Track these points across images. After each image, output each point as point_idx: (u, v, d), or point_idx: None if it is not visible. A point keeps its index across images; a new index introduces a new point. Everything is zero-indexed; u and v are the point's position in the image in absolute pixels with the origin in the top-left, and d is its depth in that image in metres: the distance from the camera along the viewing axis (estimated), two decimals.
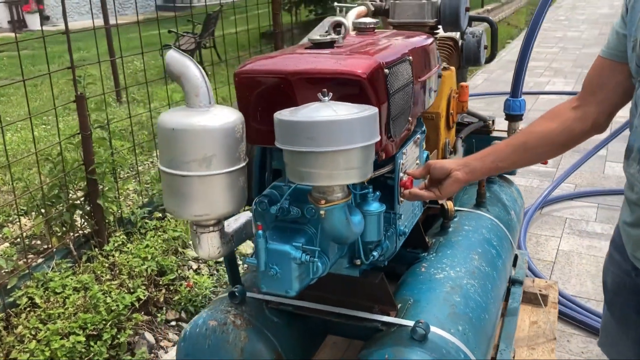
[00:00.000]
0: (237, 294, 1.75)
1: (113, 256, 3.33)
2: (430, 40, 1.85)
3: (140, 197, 3.85)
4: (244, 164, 1.36)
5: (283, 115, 1.20)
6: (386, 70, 1.39)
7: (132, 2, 16.02)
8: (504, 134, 2.71)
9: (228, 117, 1.31)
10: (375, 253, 1.60)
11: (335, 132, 1.13)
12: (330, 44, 1.53)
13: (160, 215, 3.72)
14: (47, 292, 2.97)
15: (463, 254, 2.05)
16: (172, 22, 6.58)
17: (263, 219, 1.49)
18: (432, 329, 1.55)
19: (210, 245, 1.42)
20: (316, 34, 2.45)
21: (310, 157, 1.16)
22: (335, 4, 2.86)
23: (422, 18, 2.35)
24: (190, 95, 1.32)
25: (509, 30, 13.51)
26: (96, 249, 3.35)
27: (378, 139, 1.20)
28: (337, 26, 1.69)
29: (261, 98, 1.43)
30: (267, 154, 1.65)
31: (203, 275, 3.50)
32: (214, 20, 7.59)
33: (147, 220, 3.68)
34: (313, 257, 1.40)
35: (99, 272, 3.18)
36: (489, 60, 2.86)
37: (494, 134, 2.77)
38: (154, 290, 3.25)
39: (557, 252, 3.63)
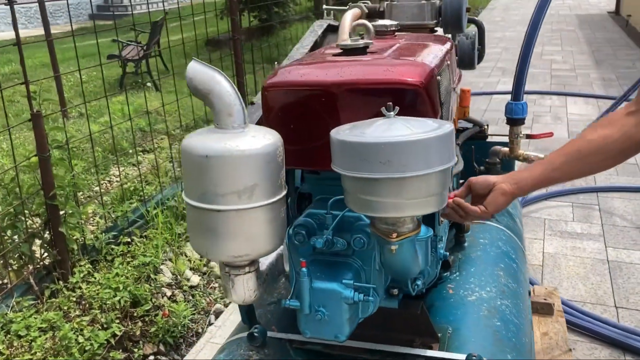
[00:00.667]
0: (257, 334, 1.54)
1: (80, 288, 3.03)
2: (452, 43, 1.70)
3: (104, 221, 3.54)
4: (285, 192, 1.17)
5: (345, 134, 1.02)
6: (438, 78, 1.23)
7: (63, 12, 15.28)
8: (503, 138, 2.60)
9: (268, 138, 1.11)
10: (419, 282, 1.43)
11: (416, 154, 0.96)
12: (363, 50, 1.36)
13: (127, 239, 3.42)
14: (8, 336, 2.65)
15: (487, 271, 1.91)
16: (110, 32, 6.23)
17: (298, 252, 1.30)
18: None
19: (246, 288, 1.21)
20: (308, 39, 2.27)
21: (384, 185, 0.98)
22: (324, 6, 2.70)
23: (422, 20, 2.21)
24: (222, 115, 1.11)
25: None
26: (60, 282, 3.04)
27: (456, 159, 1.03)
28: (360, 30, 1.51)
29: (294, 113, 1.24)
30: (291, 175, 1.46)
31: (179, 302, 3.24)
32: (159, 29, 7.25)
33: (113, 246, 3.38)
34: (367, 295, 1.22)
35: (66, 308, 2.87)
36: (479, 62, 2.76)
37: (490, 139, 2.66)
38: (129, 323, 2.97)
39: (543, 255, 3.57)
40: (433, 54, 1.37)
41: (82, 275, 3.10)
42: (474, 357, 1.40)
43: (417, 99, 1.15)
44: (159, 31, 7.30)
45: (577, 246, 3.65)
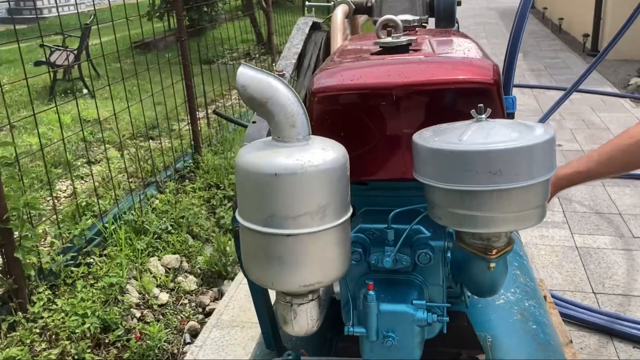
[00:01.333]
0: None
1: (42, 318, 2.76)
2: (472, 39, 1.63)
3: (59, 241, 3.26)
4: (351, 209, 1.04)
5: (437, 142, 0.91)
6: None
7: None
8: None
9: (337, 151, 0.98)
10: (469, 294, 1.35)
11: (528, 161, 0.86)
12: (406, 48, 1.25)
13: (90, 260, 3.16)
14: None
15: None
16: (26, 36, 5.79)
17: (350, 272, 1.18)
18: None
19: (309, 318, 1.08)
20: (297, 37, 2.14)
21: (492, 198, 0.88)
22: (307, 3, 2.57)
23: (413, 15, 2.13)
24: (283, 126, 0.97)
25: None
26: (19, 313, 2.75)
27: (557, 166, 0.95)
28: (388, 26, 1.40)
29: (349, 119, 1.12)
30: None
31: (150, 323, 3.02)
32: (87, 32, 6.84)
33: (72, 268, 3.11)
34: (441, 315, 1.12)
35: (29, 342, 2.60)
36: None
37: None
38: (102, 351, 2.73)
39: None
40: (475, 49, 1.29)
41: (42, 303, 2.83)
42: None
43: (488, 99, 1.06)
44: (87, 35, 6.88)
45: (544, 234, 3.71)
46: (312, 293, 1.08)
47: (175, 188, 4.18)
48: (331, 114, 1.13)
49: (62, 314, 2.77)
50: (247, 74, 0.99)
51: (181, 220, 3.79)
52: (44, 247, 3.39)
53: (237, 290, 3.32)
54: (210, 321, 3.07)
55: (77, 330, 2.68)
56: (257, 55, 9.02)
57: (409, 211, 1.16)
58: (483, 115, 0.94)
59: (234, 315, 3.08)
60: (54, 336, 2.68)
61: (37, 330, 2.68)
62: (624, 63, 8.16)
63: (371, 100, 1.09)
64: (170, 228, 3.71)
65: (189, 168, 4.55)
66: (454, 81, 1.05)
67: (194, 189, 4.19)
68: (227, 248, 3.63)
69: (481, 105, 0.94)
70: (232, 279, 3.54)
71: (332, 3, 2.30)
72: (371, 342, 1.13)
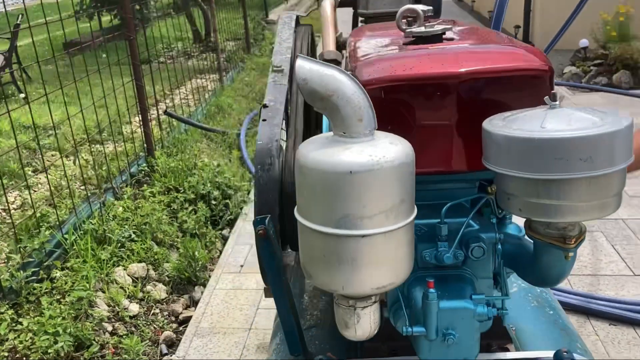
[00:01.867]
0: None
1: (7, 340, 2.56)
2: None
3: (18, 256, 3.04)
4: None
5: (518, 130, 0.88)
6: None
7: None
8: None
9: (405, 145, 0.94)
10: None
11: (615, 148, 0.85)
12: (440, 37, 1.22)
13: (57, 274, 2.97)
14: None
15: None
16: None
17: None
18: None
19: (372, 321, 1.03)
20: (285, 32, 2.08)
21: (579, 185, 0.86)
22: None
23: (400, 6, 2.10)
24: (350, 120, 0.92)
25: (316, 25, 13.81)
26: None
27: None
28: (408, 16, 1.36)
29: (400, 111, 1.08)
30: None
31: (123, 336, 2.87)
32: (16, 33, 6.44)
33: (34, 285, 2.91)
34: (503, 308, 1.10)
35: None
36: None
37: None
38: None
39: None
40: (504, 37, 1.27)
41: (6, 324, 2.62)
42: (565, 353, 1.34)
43: (543, 86, 1.04)
44: (15, 36, 6.49)
45: None
46: (375, 295, 1.03)
47: (133, 193, 4.00)
48: (380, 105, 1.08)
49: (30, 334, 2.58)
50: (307, 67, 0.93)
51: (144, 227, 3.63)
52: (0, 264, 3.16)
53: (212, 297, 3.21)
54: (189, 330, 2.95)
55: (49, 350, 2.51)
56: (196, 54, 8.80)
57: (455, 204, 1.14)
58: (557, 102, 0.92)
59: (213, 322, 2.98)
60: (24, 358, 2.49)
61: (5, 354, 2.49)
62: (556, 53, 8.50)
63: (425, 90, 1.05)
64: (133, 236, 3.54)
65: (143, 172, 4.36)
66: (514, 68, 1.03)
67: (153, 193, 4.02)
68: (196, 253, 3.51)
69: (554, 91, 0.92)
70: (204, 284, 3.42)
71: None
72: (430, 341, 1.09)
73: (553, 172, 0.85)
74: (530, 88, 1.04)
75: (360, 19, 2.24)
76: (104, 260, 3.28)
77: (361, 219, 0.90)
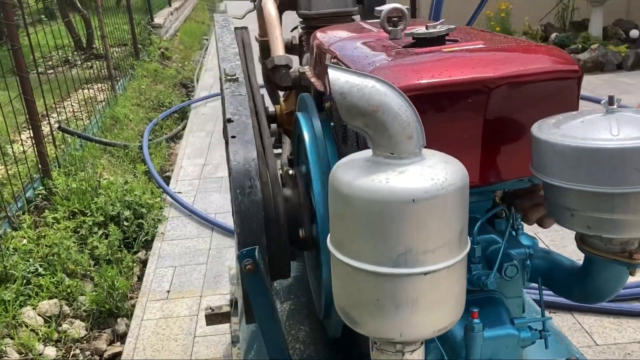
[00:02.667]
0: None
1: None
2: None
3: None
4: None
5: (590, 141, 0.79)
6: None
7: None
8: None
9: (459, 164, 0.81)
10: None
11: None
12: (442, 39, 1.11)
13: None
14: None
15: None
16: None
17: None
18: None
19: None
20: (227, 36, 1.92)
21: (630, 198, 0.79)
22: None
23: (344, 6, 2.00)
24: (399, 138, 0.78)
25: (200, 28, 13.46)
26: None
27: None
28: (393, 16, 1.24)
29: (433, 120, 0.96)
30: None
31: None
32: None
33: None
34: (545, 331, 1.01)
35: None
36: None
37: None
38: None
39: None
40: (503, 36, 1.19)
41: None
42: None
43: (574, 89, 0.97)
44: None
45: None
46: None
47: (33, 221, 3.58)
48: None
49: None
50: (344, 79, 0.78)
51: (51, 258, 3.24)
52: None
53: (141, 329, 2.92)
54: None
55: None
56: (79, 62, 8.18)
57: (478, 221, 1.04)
58: (614, 106, 0.83)
59: (147, 357, 2.71)
60: None
61: None
62: None
63: (457, 97, 0.93)
64: (40, 269, 3.15)
65: (41, 196, 3.92)
66: (549, 70, 0.94)
67: (56, 219, 3.62)
68: (115, 282, 3.19)
69: (612, 95, 0.84)
70: (127, 316, 3.12)
71: None
72: None
73: (634, 184, 0.76)
74: (562, 91, 0.96)
75: (299, 20, 2.09)
76: (8, 301, 2.89)
77: (424, 254, 0.76)
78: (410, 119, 0.79)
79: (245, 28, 2.06)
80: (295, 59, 1.93)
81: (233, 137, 1.30)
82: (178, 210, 4.23)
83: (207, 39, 12.05)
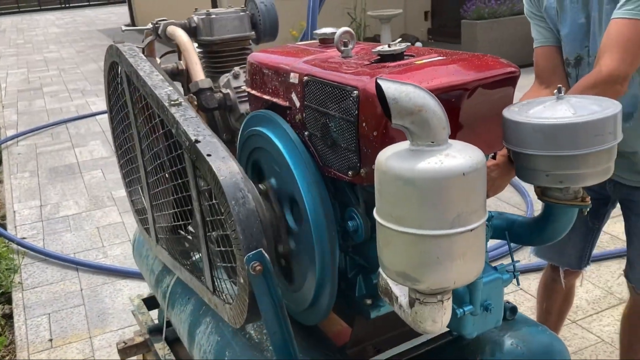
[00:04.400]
0: None
1: None
2: None
3: None
4: None
5: (562, 118, 1.10)
6: None
7: None
8: None
9: (474, 146, 1.07)
10: None
11: (615, 126, 1.13)
12: (402, 55, 1.36)
13: None
14: None
15: None
16: None
17: None
18: None
19: (449, 312, 1.12)
20: (145, 64, 1.98)
21: (599, 155, 1.12)
22: (123, 28, 2.28)
23: (243, 31, 2.17)
24: (437, 129, 1.00)
25: None
26: None
27: None
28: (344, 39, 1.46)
29: None
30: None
31: None
32: None
33: None
34: (515, 272, 1.31)
35: None
36: None
37: None
38: None
39: None
40: (440, 51, 1.47)
41: None
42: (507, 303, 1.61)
43: (514, 85, 1.28)
44: None
45: None
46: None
47: None
48: None
49: None
50: (393, 87, 1.00)
51: None
52: None
53: None
54: None
55: None
56: None
57: None
58: (562, 93, 1.16)
59: None
60: None
61: None
62: None
63: (449, 97, 1.17)
64: None
65: None
66: (508, 72, 1.24)
67: None
68: None
69: (560, 85, 1.16)
70: None
71: (153, 25, 2.12)
72: (474, 316, 1.24)
73: (591, 146, 1.09)
74: (508, 87, 1.27)
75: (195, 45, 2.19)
76: None
77: (470, 215, 0.99)
78: (442, 114, 1.01)
79: (153, 59, 2.11)
80: (178, 84, 1.98)
81: (209, 155, 1.41)
82: (29, 257, 3.92)
83: None
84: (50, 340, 3.03)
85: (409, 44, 1.38)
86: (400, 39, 1.42)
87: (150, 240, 1.98)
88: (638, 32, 1.51)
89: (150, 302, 2.57)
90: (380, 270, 1.15)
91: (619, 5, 1.56)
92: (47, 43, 14.85)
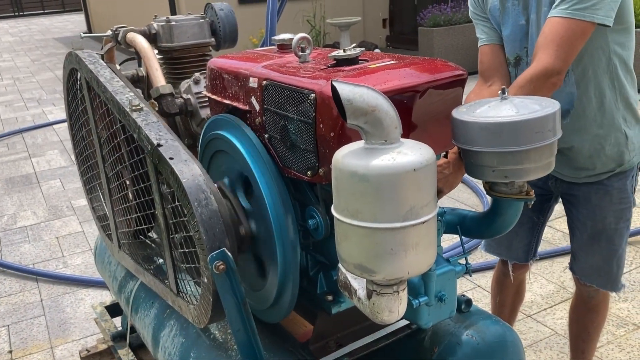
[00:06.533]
0: None
1: None
2: None
3: None
4: None
5: (507, 117, 1.17)
6: None
7: None
8: None
9: (424, 144, 1.13)
10: None
11: (555, 123, 1.21)
12: (356, 60, 1.42)
13: None
14: None
15: None
16: None
17: None
18: None
19: (405, 302, 1.18)
20: (105, 71, 1.99)
21: (540, 150, 1.19)
22: (82, 34, 2.28)
23: (203, 38, 2.20)
24: (390, 129, 1.06)
25: None
26: None
27: None
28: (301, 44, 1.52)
29: None
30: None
31: None
32: None
33: None
34: (467, 263, 1.38)
35: None
36: None
37: None
38: None
39: None
40: (397, 57, 1.53)
41: None
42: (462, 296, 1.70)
43: (463, 87, 1.35)
44: None
45: None
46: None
47: None
48: None
49: None
50: (347, 89, 1.05)
51: None
52: None
53: None
54: None
55: None
56: None
57: None
58: (506, 94, 1.24)
59: None
60: None
61: None
62: None
63: (402, 98, 1.24)
64: None
65: None
66: (456, 75, 1.31)
67: None
68: None
69: (504, 87, 1.24)
70: None
71: (113, 32, 2.13)
72: (429, 306, 1.30)
73: (533, 142, 1.16)
74: (457, 89, 1.34)
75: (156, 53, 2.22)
76: None
77: (421, 208, 1.05)
78: (395, 114, 1.07)
79: (113, 64, 2.12)
80: (138, 91, 2.01)
81: (171, 158, 1.44)
82: None
83: None
84: (10, 351, 2.98)
85: (363, 49, 1.44)
86: (354, 45, 1.48)
87: (112, 247, 1.99)
88: (571, 30, 1.61)
89: (113, 309, 2.56)
90: (339, 265, 1.20)
91: (554, 5, 1.67)
92: (4, 51, 14.50)
